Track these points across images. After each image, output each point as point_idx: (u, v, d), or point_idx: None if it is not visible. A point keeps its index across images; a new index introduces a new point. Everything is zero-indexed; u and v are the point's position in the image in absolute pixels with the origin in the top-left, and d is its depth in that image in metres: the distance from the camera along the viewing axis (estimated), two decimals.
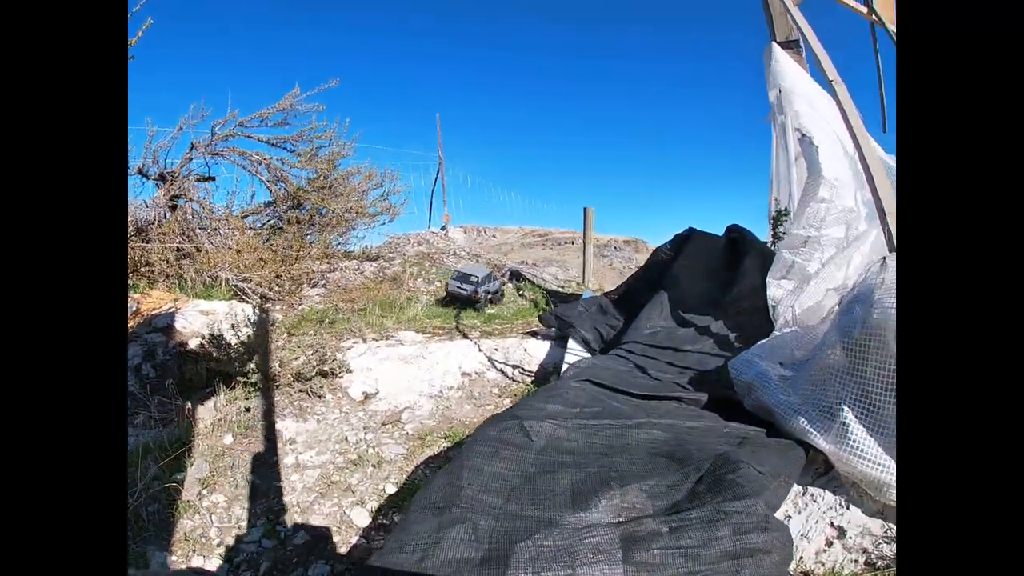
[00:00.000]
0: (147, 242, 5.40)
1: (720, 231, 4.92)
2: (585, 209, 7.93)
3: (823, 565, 1.83)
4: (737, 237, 4.64)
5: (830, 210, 3.43)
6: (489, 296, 5.63)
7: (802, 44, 4.60)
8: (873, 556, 1.81)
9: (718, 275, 4.36)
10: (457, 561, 1.40)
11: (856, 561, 1.82)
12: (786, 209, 5.02)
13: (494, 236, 13.82)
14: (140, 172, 5.94)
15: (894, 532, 1.87)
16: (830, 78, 3.35)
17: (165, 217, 5.82)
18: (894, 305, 1.97)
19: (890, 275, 2.14)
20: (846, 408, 2.03)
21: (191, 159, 6.19)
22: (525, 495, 1.68)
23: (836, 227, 3.46)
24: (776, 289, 3.41)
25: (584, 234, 8.03)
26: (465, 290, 5.46)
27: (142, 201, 5.86)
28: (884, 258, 2.24)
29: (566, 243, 13.01)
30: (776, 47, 4.48)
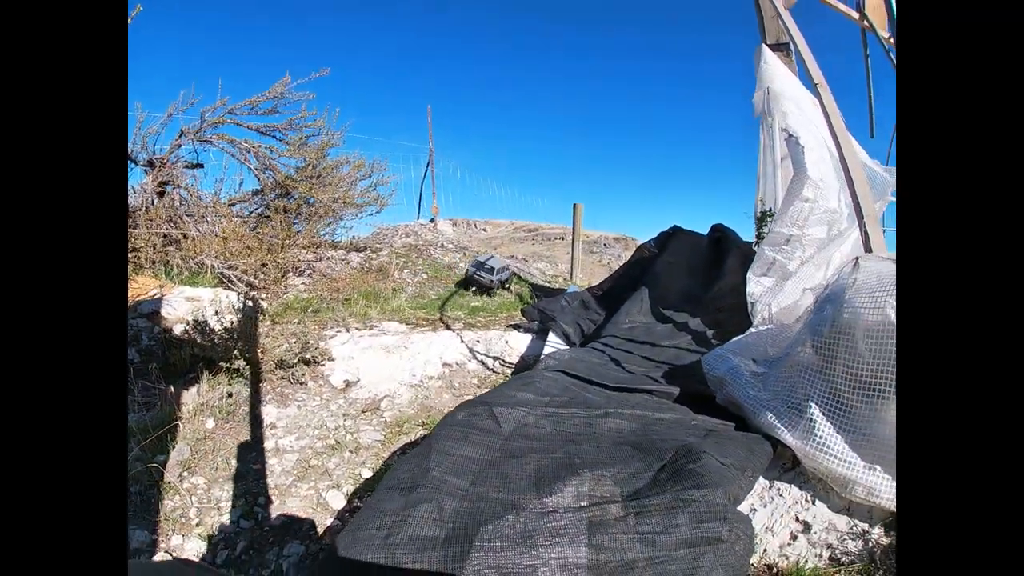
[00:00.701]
0: (134, 228, 5.38)
1: (707, 230, 4.97)
2: (575, 205, 7.98)
3: (787, 559, 1.85)
4: (721, 236, 4.69)
5: (813, 210, 3.46)
6: (500, 282, 6.42)
7: (791, 47, 4.63)
8: (838, 552, 1.82)
9: (700, 273, 4.40)
10: (421, 539, 1.43)
11: (820, 556, 1.83)
12: (771, 210, 5.05)
13: (484, 230, 13.76)
14: (129, 158, 5.91)
15: (859, 528, 1.89)
16: (815, 80, 3.39)
17: (153, 203, 5.77)
18: (864, 305, 2.00)
19: (862, 275, 2.16)
20: (814, 405, 2.05)
21: (180, 145, 6.15)
22: (491, 478, 1.71)
23: (818, 227, 3.49)
24: (755, 286, 3.44)
25: (573, 230, 8.06)
26: (481, 276, 6.25)
27: (130, 187, 5.83)
28: (857, 258, 2.27)
29: (556, 239, 12.97)
30: (766, 49, 4.52)
